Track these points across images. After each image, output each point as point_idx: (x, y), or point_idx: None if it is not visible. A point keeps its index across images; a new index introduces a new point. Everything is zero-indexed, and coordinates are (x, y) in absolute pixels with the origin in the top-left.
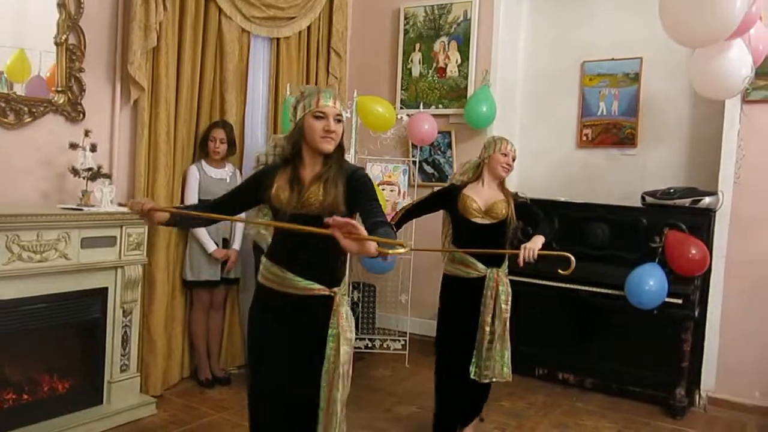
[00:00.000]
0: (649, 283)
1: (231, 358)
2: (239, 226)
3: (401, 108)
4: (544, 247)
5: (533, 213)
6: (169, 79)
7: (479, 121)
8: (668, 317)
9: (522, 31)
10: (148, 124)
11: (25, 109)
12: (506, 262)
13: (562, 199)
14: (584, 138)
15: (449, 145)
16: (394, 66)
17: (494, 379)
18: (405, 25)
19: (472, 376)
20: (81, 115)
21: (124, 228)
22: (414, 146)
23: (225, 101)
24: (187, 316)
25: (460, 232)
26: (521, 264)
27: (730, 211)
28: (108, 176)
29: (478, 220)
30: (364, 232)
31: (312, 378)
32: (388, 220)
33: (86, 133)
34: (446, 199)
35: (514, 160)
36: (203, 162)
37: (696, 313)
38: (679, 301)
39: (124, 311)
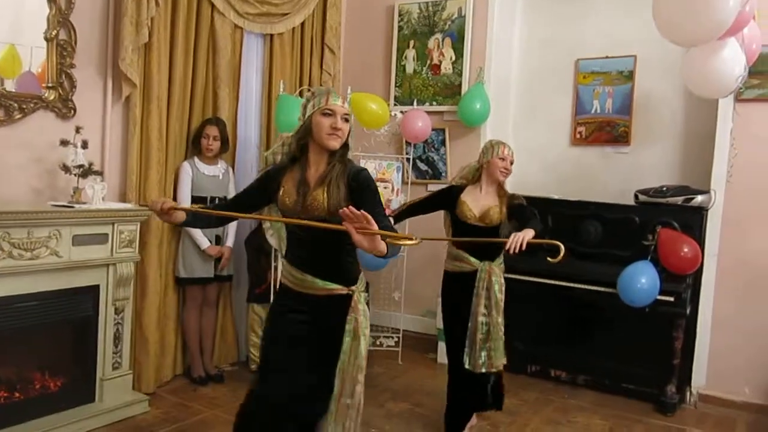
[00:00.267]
0: (641, 280)
1: (224, 356)
2: (232, 223)
3: (395, 105)
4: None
5: (527, 215)
6: (161, 75)
7: (473, 119)
8: (660, 315)
9: (516, 29)
10: (140, 120)
11: (16, 105)
12: (501, 258)
13: (556, 197)
14: (578, 136)
15: (443, 143)
16: (388, 63)
17: (492, 370)
18: (399, 22)
19: (466, 366)
20: (72, 111)
21: (115, 225)
22: (408, 143)
23: (218, 98)
24: (179, 313)
25: (458, 231)
26: (511, 251)
27: (722, 210)
28: (99, 173)
29: (474, 223)
30: (376, 227)
31: (326, 380)
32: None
33: (77, 130)
34: (446, 200)
35: (512, 163)
36: (196, 159)
37: (687, 311)
38: (671, 299)
39: (116, 309)
